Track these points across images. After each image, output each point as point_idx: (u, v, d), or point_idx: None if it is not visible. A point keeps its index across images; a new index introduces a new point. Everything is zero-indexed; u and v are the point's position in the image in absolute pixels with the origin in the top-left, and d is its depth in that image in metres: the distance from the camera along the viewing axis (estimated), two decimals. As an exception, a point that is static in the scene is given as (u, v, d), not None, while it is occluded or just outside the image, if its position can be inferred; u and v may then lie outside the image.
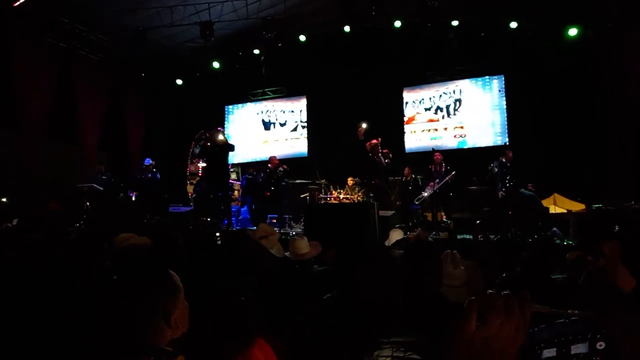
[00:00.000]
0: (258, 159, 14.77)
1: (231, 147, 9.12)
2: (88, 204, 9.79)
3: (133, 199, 11.10)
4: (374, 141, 9.07)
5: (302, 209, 9.94)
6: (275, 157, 10.96)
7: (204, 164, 15.36)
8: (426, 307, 1.84)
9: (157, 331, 1.41)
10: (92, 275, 2.34)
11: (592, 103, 11.26)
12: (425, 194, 9.39)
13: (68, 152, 12.39)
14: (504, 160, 8.93)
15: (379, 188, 9.23)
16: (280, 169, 10.47)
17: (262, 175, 10.88)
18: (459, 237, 6.80)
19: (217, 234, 6.95)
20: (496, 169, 8.89)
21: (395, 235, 5.11)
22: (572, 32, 10.97)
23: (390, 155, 9.56)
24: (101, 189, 10.25)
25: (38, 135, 11.34)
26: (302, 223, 10.06)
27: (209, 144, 8.97)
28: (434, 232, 7.65)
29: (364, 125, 8.92)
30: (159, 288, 1.43)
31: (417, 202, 9.65)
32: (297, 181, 11.59)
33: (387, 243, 5.11)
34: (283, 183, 10.50)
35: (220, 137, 8.90)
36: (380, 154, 8.99)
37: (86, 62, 12.41)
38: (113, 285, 1.42)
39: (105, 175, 10.69)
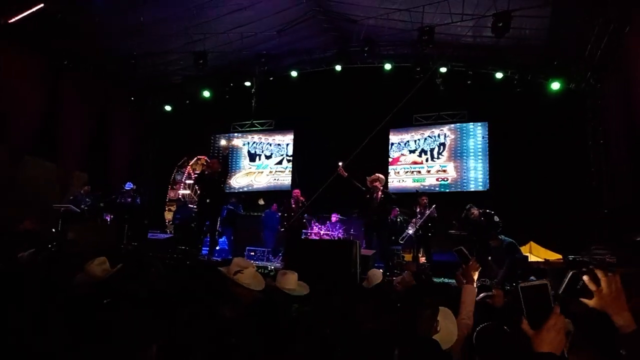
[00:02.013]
0: (241, 189, 14.73)
1: (225, 174, 9.10)
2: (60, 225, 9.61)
3: (109, 222, 10.90)
4: (373, 181, 9.05)
5: (282, 243, 9.85)
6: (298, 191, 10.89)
7: (186, 191, 15.28)
8: (421, 353, 1.81)
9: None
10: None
11: (573, 153, 11.56)
12: (410, 232, 9.41)
13: (48, 170, 12.18)
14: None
15: (365, 225, 9.21)
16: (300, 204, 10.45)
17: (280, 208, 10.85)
18: (439, 280, 6.77)
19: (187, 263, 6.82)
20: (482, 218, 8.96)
21: (375, 277, 5.00)
22: (555, 85, 11.37)
23: (391, 195, 9.51)
24: (78, 210, 10.06)
25: (21, 152, 11.16)
26: (281, 257, 9.97)
27: (207, 171, 8.90)
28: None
29: (340, 164, 8.93)
30: (147, 326, 1.44)
31: (401, 242, 9.66)
32: (279, 214, 11.53)
33: (365, 284, 5.02)
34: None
35: (217, 166, 8.86)
36: (378, 192, 8.95)
37: (75, 82, 12.36)
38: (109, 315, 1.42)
39: (90, 196, 10.52)
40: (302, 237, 10.90)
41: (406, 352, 1.64)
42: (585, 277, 1.60)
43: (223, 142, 9.32)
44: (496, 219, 8.68)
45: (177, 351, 1.82)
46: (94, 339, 1.50)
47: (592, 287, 1.60)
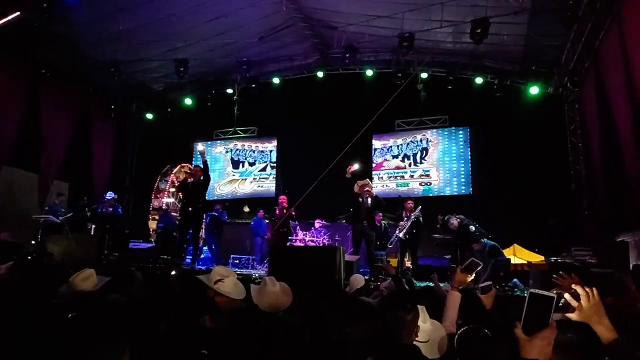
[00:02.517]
0: (223, 196, 14.65)
1: (207, 181, 8.97)
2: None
3: (92, 232, 10.74)
4: (364, 185, 9.08)
5: (267, 250, 9.81)
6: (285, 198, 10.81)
7: (170, 199, 15.14)
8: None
9: None
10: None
11: (553, 157, 11.75)
12: (400, 234, 9.41)
13: (28, 180, 11.97)
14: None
15: (354, 230, 9.22)
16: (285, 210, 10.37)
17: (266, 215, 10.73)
18: (424, 284, 6.80)
19: (173, 273, 6.74)
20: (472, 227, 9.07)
21: (357, 282, 5.00)
22: (533, 90, 11.57)
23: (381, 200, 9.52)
24: (57, 221, 9.88)
25: (0, 161, 10.97)
26: (266, 264, 9.91)
27: (190, 179, 8.79)
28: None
29: (356, 166, 8.97)
30: (116, 340, 1.44)
31: (390, 246, 9.70)
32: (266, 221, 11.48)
33: (347, 289, 5.02)
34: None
35: (201, 173, 8.74)
36: (366, 197, 8.98)
37: (55, 91, 12.18)
38: (75, 329, 1.41)
39: (63, 207, 10.34)
40: (287, 244, 10.88)
41: (383, 359, 1.65)
42: (566, 295, 1.66)
43: (200, 147, 9.25)
44: (472, 228, 8.80)
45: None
46: (70, 351, 1.48)
47: (573, 303, 1.65)
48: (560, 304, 1.67)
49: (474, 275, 3.21)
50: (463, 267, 3.03)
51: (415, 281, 6.60)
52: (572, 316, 1.66)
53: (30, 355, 1.63)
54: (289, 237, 11.04)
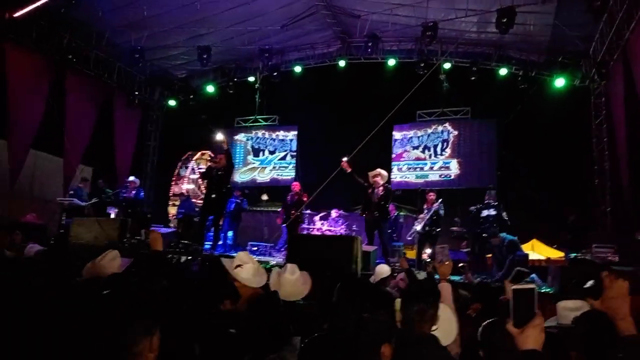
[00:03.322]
0: (244, 184, 14.75)
1: (231, 169, 9.05)
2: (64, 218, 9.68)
3: (112, 216, 10.94)
4: (374, 176, 9.06)
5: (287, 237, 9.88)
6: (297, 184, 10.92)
7: (190, 186, 15.33)
8: (419, 349, 1.83)
9: (141, 351, 1.51)
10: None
11: (578, 151, 11.54)
12: (418, 228, 9.38)
13: (53, 164, 12.25)
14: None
15: (366, 221, 9.19)
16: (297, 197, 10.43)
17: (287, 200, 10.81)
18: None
19: (190, 258, 6.85)
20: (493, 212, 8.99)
21: (382, 272, 5.07)
22: (559, 82, 11.33)
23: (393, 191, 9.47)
24: (82, 204, 10.10)
25: (26, 144, 11.24)
26: (284, 252, 10.00)
27: (214, 166, 8.88)
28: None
29: (345, 158, 8.93)
30: (138, 327, 1.50)
31: (409, 238, 9.64)
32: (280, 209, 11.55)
33: (372, 279, 5.07)
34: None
35: (224, 161, 8.82)
36: (379, 188, 8.94)
37: (79, 77, 12.38)
38: (110, 306, 1.48)
39: (86, 191, 10.56)
40: (304, 233, 10.95)
41: (402, 347, 1.67)
42: (604, 273, 1.64)
43: (219, 137, 9.29)
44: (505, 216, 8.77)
45: (177, 343, 1.85)
46: (95, 330, 1.55)
47: (606, 284, 1.62)
48: (586, 286, 1.68)
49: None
50: (511, 278, 3.03)
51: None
52: (595, 303, 1.65)
53: (62, 333, 1.70)
54: (305, 226, 11.13)
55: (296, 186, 10.83)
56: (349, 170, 8.88)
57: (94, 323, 1.53)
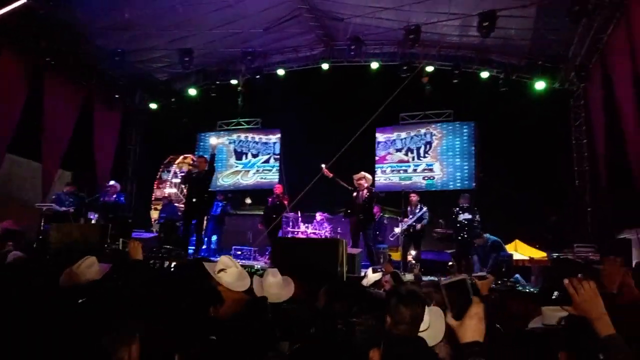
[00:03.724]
0: (225, 188, 14.65)
1: (212, 173, 8.96)
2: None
3: (93, 221, 10.76)
4: (359, 179, 9.07)
5: (269, 242, 9.82)
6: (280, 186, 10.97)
7: (172, 190, 15.16)
8: (406, 351, 1.81)
9: None
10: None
11: (558, 153, 11.71)
12: (397, 230, 9.46)
13: (31, 169, 12.00)
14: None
15: (351, 224, 9.20)
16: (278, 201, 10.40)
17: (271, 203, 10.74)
18: (426, 278, 6.80)
19: (174, 264, 6.75)
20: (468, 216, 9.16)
21: (373, 275, 5.10)
22: (539, 85, 11.49)
23: (377, 193, 9.50)
24: (61, 209, 9.89)
25: (1, 149, 10.97)
26: (268, 256, 9.93)
27: (194, 171, 8.78)
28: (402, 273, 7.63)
29: (323, 165, 8.97)
30: (127, 327, 1.46)
31: (391, 239, 9.71)
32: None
33: (365, 283, 5.09)
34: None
35: (205, 165, 8.74)
36: (364, 191, 8.95)
37: (58, 80, 12.14)
38: (87, 315, 1.43)
39: (72, 196, 10.34)
40: (289, 236, 10.90)
41: (390, 350, 1.65)
42: (565, 282, 1.65)
43: (213, 140, 9.28)
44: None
45: (159, 349, 1.80)
46: (75, 338, 1.49)
47: (570, 291, 1.65)
48: (554, 297, 1.68)
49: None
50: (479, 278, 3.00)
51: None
52: (569, 309, 1.67)
53: (41, 341, 1.63)
54: (290, 230, 11.08)
55: (278, 189, 10.81)
56: (331, 175, 8.93)
57: (71, 332, 1.48)
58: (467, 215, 9.31)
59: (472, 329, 1.44)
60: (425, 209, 9.50)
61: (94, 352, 1.42)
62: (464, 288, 1.50)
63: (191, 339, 2.15)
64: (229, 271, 3.47)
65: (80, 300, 2.06)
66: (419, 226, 9.37)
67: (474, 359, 1.41)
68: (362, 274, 6.72)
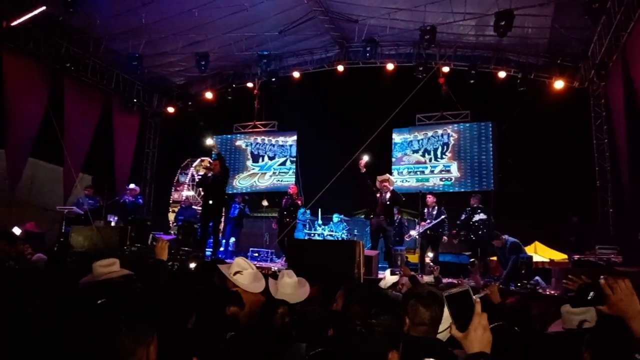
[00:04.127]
0: (242, 190, 14.71)
1: (226, 175, 9.03)
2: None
3: (113, 224, 10.91)
4: (383, 181, 9.03)
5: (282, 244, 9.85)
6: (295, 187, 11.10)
7: (190, 192, 15.30)
8: (425, 354, 1.79)
9: None
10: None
11: (578, 153, 11.52)
12: (413, 233, 9.43)
13: (52, 173, 12.21)
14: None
15: (371, 225, 9.18)
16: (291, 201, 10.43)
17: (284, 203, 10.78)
18: (446, 280, 6.74)
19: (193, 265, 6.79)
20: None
21: (392, 278, 5.08)
22: (558, 84, 11.32)
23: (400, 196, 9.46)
24: (81, 212, 10.05)
25: (24, 153, 11.21)
26: (284, 258, 9.95)
27: (209, 174, 8.86)
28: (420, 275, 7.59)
29: (366, 158, 8.87)
30: (143, 327, 1.46)
31: (407, 239, 9.66)
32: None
33: (382, 285, 5.07)
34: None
35: (219, 168, 8.81)
36: (387, 193, 8.91)
37: (79, 84, 12.39)
38: (103, 315, 1.44)
39: (92, 199, 10.50)
40: (305, 238, 10.92)
41: (409, 352, 1.63)
42: (601, 281, 1.64)
43: (209, 142, 9.36)
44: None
45: (177, 350, 1.81)
46: (93, 338, 1.51)
47: (607, 291, 1.64)
48: (590, 297, 1.66)
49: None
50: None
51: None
52: (604, 309, 1.65)
53: (59, 342, 1.65)
54: (307, 232, 11.10)
55: (293, 189, 10.84)
56: (364, 170, 8.83)
57: (89, 332, 1.49)
58: (482, 216, 9.24)
59: (478, 340, 1.44)
60: (444, 216, 9.44)
61: (111, 352, 1.43)
62: (467, 299, 1.49)
63: (209, 340, 2.16)
64: (244, 273, 3.50)
65: (99, 301, 2.09)
66: (422, 230, 9.32)
67: None
68: (380, 275, 6.70)
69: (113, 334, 1.43)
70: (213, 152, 8.91)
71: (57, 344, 1.57)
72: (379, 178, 9.08)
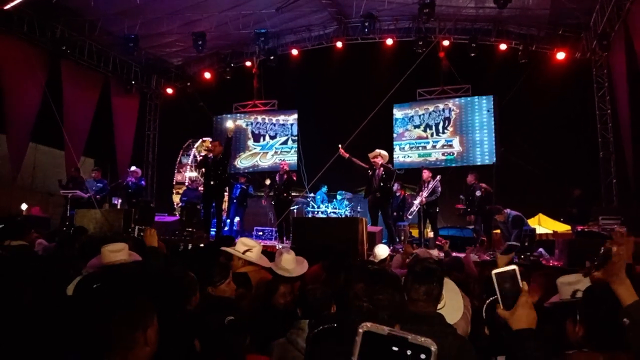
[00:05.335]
0: (246, 170, 14.71)
1: (228, 156, 9.00)
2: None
3: (118, 206, 10.96)
4: (374, 157, 9.01)
5: (291, 222, 9.87)
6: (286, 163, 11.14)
7: (193, 174, 15.31)
8: (425, 327, 1.82)
9: (133, 344, 1.45)
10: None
11: (580, 124, 11.45)
12: (414, 208, 9.43)
13: (54, 157, 12.22)
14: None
15: (368, 202, 9.19)
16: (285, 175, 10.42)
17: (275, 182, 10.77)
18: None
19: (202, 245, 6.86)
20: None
21: (381, 252, 5.08)
22: (560, 55, 11.18)
23: (395, 170, 9.45)
24: (85, 196, 10.08)
25: (25, 138, 11.20)
26: (290, 236, 10.00)
27: (210, 155, 8.85)
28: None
29: (340, 146, 8.90)
30: (140, 310, 1.47)
31: (409, 216, 9.65)
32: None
33: (372, 258, 5.10)
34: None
35: (220, 149, 8.79)
36: (379, 169, 8.89)
37: (76, 66, 12.30)
38: (97, 299, 1.46)
39: (100, 182, 10.52)
40: (309, 216, 10.97)
41: (408, 326, 1.65)
42: (608, 244, 1.69)
43: (229, 124, 9.36)
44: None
45: (176, 338, 1.82)
46: (86, 323, 1.53)
47: (617, 237, 1.71)
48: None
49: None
50: (501, 252, 3.05)
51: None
52: (597, 274, 1.71)
53: (56, 329, 1.68)
54: (310, 209, 11.13)
55: (285, 165, 10.85)
56: (347, 156, 8.87)
57: (83, 317, 1.51)
58: (478, 193, 9.29)
59: (525, 316, 1.50)
60: (436, 181, 9.36)
61: (108, 337, 1.44)
62: (514, 278, 1.54)
63: (209, 325, 2.18)
64: (254, 250, 3.59)
65: (95, 286, 2.10)
66: (422, 201, 9.26)
67: (529, 343, 1.47)
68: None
69: (109, 319, 1.45)
70: (227, 134, 8.85)
71: (52, 333, 1.59)
72: (370, 155, 9.06)
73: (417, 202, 9.37)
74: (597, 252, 1.73)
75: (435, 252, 6.33)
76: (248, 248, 3.57)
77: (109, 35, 12.15)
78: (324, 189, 11.65)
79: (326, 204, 11.38)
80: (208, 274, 2.66)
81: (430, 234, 9.75)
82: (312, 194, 11.67)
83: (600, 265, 1.69)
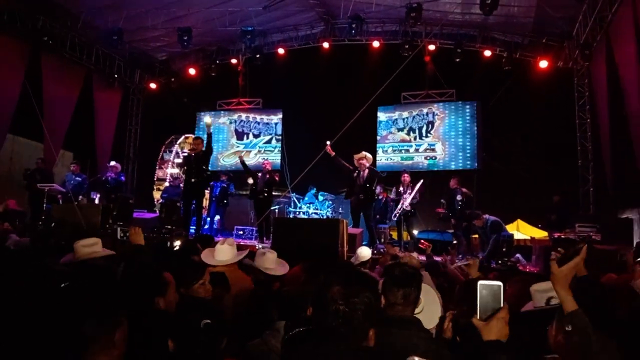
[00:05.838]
0: (226, 168, 14.60)
1: (209, 153, 8.91)
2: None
3: (96, 201, 10.79)
4: (360, 159, 9.01)
5: (271, 222, 9.82)
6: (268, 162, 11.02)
7: (174, 170, 15.15)
8: (402, 331, 1.81)
9: (101, 346, 1.45)
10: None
11: (560, 132, 11.64)
12: (398, 210, 9.45)
13: (33, 150, 11.98)
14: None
15: (351, 204, 9.20)
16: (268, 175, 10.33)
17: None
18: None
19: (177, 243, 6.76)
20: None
21: (364, 254, 5.07)
22: (543, 64, 11.35)
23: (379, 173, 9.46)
24: (63, 190, 9.90)
25: (2, 129, 10.95)
26: (270, 236, 9.95)
27: (192, 152, 8.76)
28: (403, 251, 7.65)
29: (328, 142, 8.90)
30: (108, 310, 1.45)
31: (394, 219, 9.66)
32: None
33: (353, 260, 5.09)
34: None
35: (202, 145, 8.71)
36: (365, 171, 8.89)
37: (57, 59, 12.06)
38: (65, 299, 1.41)
39: (79, 175, 10.34)
40: (290, 217, 10.93)
41: (385, 329, 1.65)
42: (553, 255, 1.79)
43: (207, 119, 9.29)
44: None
45: (147, 338, 1.79)
46: (56, 323, 1.49)
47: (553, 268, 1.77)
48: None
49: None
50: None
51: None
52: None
53: (20, 327, 1.63)
54: (292, 209, 11.10)
55: (267, 164, 10.79)
56: (333, 154, 8.86)
57: (52, 318, 1.47)
58: (459, 197, 9.38)
59: (497, 329, 1.53)
60: (421, 185, 9.40)
61: (75, 339, 1.41)
62: (498, 294, 1.58)
63: (183, 324, 2.15)
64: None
65: (62, 285, 2.04)
66: (407, 205, 9.29)
67: (496, 356, 1.49)
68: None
69: (76, 319, 1.41)
70: (204, 128, 8.81)
71: (17, 333, 1.54)
72: (356, 156, 9.07)
73: (406, 203, 9.37)
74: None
75: (415, 255, 6.37)
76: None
77: (92, 28, 11.95)
78: (313, 190, 11.59)
79: (307, 205, 11.36)
80: (181, 273, 2.61)
81: (409, 237, 9.80)
82: (294, 194, 11.63)
83: (568, 259, 1.77)
